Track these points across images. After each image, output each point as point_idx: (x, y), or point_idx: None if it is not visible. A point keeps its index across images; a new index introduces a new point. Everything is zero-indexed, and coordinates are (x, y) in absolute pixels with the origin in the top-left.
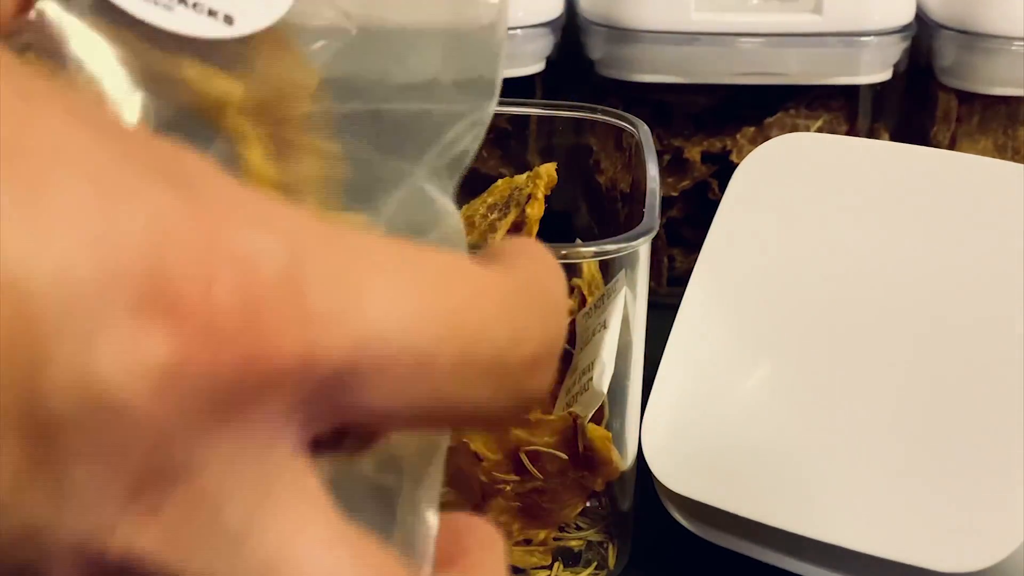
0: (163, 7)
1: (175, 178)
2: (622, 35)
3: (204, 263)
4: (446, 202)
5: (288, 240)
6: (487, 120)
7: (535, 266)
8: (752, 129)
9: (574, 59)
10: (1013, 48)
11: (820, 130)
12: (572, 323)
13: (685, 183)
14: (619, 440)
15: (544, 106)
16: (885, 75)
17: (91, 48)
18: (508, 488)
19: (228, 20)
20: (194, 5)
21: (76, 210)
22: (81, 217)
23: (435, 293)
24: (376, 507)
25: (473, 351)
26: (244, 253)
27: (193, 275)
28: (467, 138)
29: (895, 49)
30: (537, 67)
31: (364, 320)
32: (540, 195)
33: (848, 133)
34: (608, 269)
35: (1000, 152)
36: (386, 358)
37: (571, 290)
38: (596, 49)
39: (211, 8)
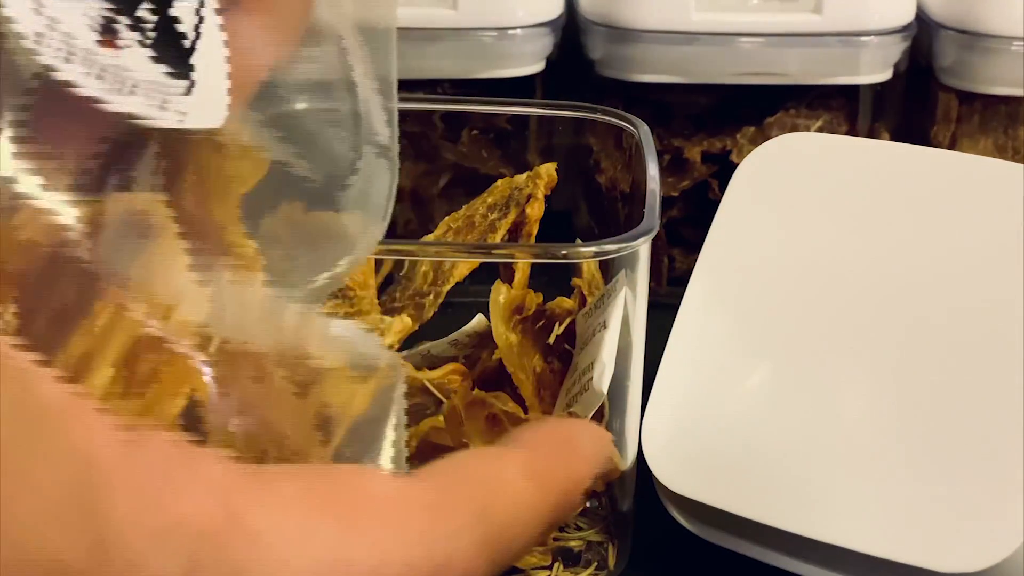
0: (115, 88)
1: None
2: (622, 35)
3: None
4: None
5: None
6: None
7: (506, 481)
8: (752, 129)
9: (574, 59)
10: (1013, 48)
11: (820, 130)
12: (572, 323)
13: (685, 183)
14: (619, 440)
15: (544, 106)
16: (885, 75)
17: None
18: None
19: (179, 115)
20: (145, 96)
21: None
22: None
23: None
24: None
25: None
26: None
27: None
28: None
29: (895, 49)
30: (537, 67)
31: None
32: (540, 195)
33: (848, 133)
34: (608, 269)
35: (1000, 152)
36: None
37: (571, 290)
38: (596, 49)
39: (163, 103)
